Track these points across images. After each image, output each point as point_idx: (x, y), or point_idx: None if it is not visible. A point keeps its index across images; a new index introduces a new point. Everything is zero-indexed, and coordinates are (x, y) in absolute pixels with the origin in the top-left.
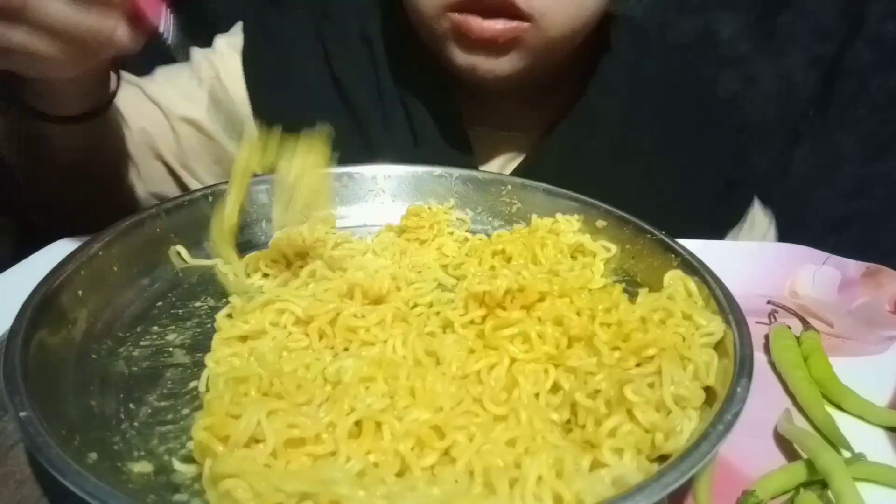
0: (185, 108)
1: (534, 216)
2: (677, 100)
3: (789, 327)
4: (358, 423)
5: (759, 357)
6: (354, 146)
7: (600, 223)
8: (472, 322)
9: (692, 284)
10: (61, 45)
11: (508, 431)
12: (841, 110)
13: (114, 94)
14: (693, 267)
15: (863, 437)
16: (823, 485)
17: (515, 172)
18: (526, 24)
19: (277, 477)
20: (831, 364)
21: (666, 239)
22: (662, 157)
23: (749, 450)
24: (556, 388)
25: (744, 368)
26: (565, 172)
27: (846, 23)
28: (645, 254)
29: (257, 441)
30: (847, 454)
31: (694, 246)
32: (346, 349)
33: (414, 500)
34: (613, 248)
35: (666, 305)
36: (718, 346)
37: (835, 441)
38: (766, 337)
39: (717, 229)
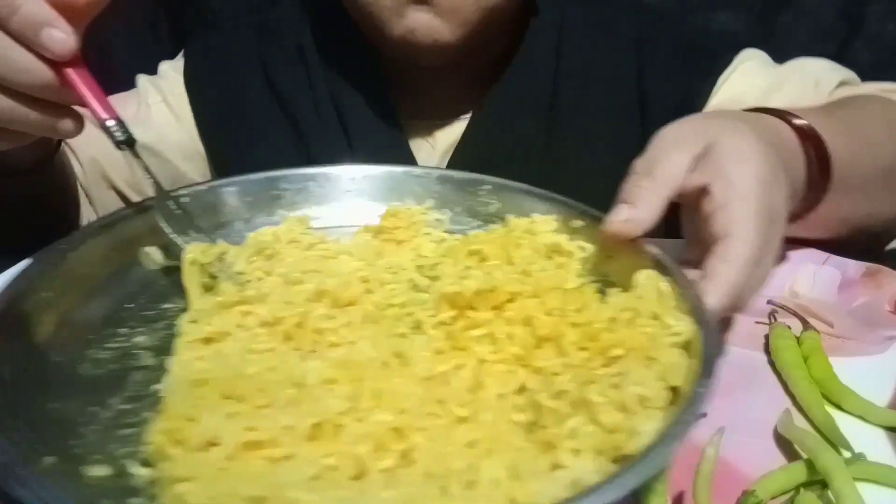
0: (137, 133)
1: (511, 216)
2: (604, 57)
3: (789, 327)
4: (319, 426)
5: (759, 357)
6: (295, 155)
7: (577, 223)
8: (442, 323)
9: (664, 284)
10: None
11: (470, 433)
12: None
13: (59, 144)
14: (665, 267)
15: (863, 437)
16: (823, 485)
17: (452, 158)
18: None
19: (230, 480)
20: (831, 364)
21: (640, 239)
22: (592, 119)
23: (749, 450)
24: (523, 389)
25: (708, 369)
26: (496, 145)
27: (846, 23)
28: (620, 254)
29: (215, 444)
30: (847, 454)
31: None
32: (314, 351)
33: None
34: (590, 248)
35: (635, 305)
36: (687, 347)
37: (835, 441)
38: (766, 337)
39: None
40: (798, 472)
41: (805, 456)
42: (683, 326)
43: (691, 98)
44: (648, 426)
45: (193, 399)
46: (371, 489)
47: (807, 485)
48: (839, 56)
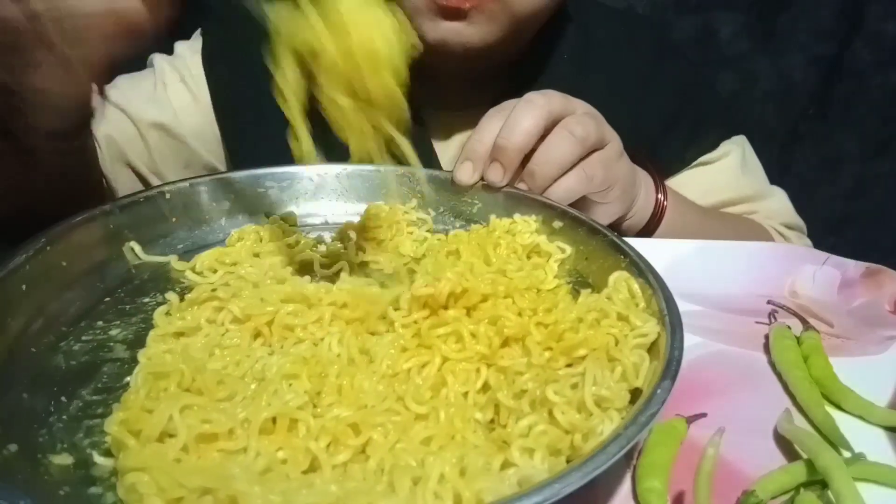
0: (153, 113)
1: (492, 216)
2: (625, 52)
3: (789, 327)
4: (275, 420)
5: (760, 357)
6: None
7: (557, 224)
8: (414, 323)
9: (636, 285)
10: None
11: (426, 430)
12: (841, 110)
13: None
14: (639, 268)
15: (863, 437)
16: (823, 485)
17: None
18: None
19: (181, 472)
20: (831, 364)
21: (616, 240)
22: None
23: (749, 450)
24: (486, 387)
25: (669, 370)
26: None
27: (846, 23)
28: (597, 255)
29: (173, 436)
30: (847, 454)
31: (693, 246)
32: (283, 346)
33: (310, 497)
34: (568, 249)
35: (602, 306)
36: (652, 348)
37: (835, 441)
38: (766, 337)
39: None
40: (798, 472)
41: (805, 456)
42: (649, 328)
43: (670, 154)
44: (606, 426)
45: (153, 391)
46: (319, 483)
47: (807, 485)
48: (839, 56)
